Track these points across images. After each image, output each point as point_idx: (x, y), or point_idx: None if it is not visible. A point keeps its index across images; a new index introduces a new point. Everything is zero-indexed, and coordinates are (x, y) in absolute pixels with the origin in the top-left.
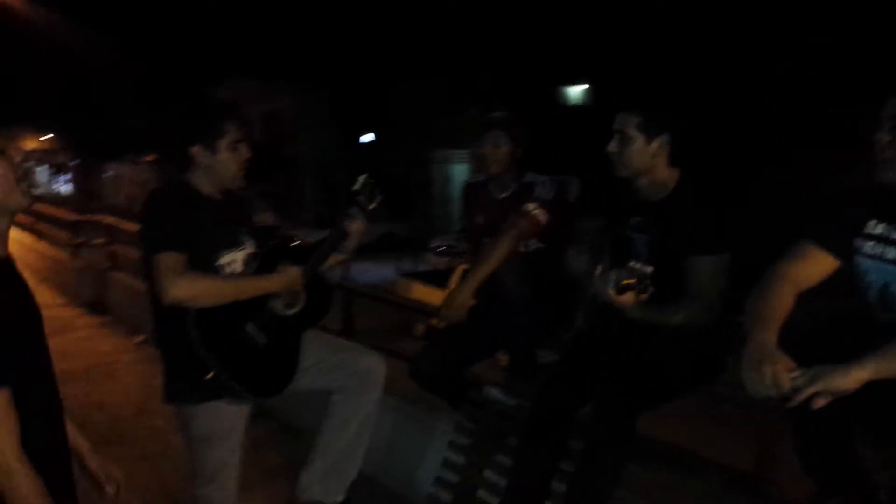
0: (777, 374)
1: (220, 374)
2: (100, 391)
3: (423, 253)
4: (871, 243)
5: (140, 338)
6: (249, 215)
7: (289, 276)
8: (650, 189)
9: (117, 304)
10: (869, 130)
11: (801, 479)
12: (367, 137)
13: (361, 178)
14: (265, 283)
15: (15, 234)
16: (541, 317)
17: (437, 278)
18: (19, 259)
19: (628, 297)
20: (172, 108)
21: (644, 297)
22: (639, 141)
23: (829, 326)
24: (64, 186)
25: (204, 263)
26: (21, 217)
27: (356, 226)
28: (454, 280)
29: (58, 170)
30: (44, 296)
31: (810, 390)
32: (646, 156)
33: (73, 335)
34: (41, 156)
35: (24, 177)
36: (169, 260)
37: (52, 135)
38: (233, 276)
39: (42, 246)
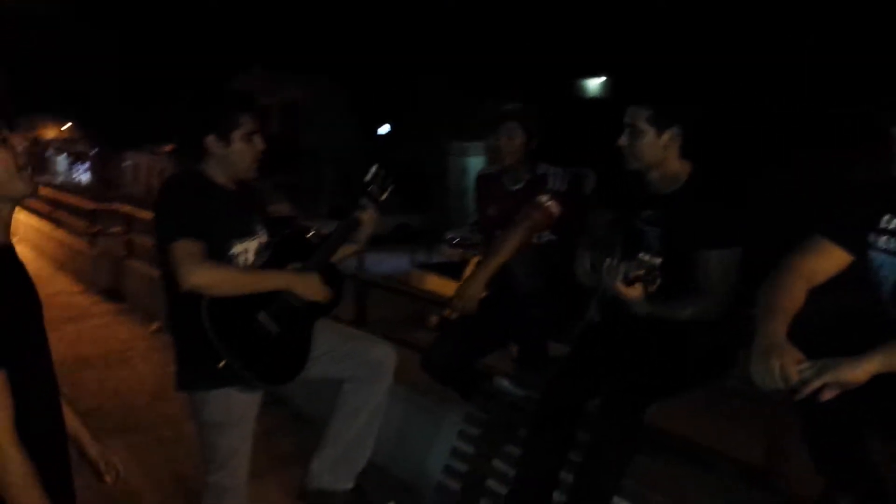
0: (785, 366)
1: (232, 362)
2: (115, 378)
3: (437, 244)
4: (885, 238)
5: (155, 325)
6: (263, 205)
7: (310, 282)
8: (662, 182)
9: (133, 292)
10: (884, 125)
11: (811, 473)
12: (384, 129)
13: (373, 168)
14: (284, 279)
15: (34, 221)
16: (552, 309)
17: (451, 270)
18: (37, 246)
19: (637, 290)
20: (188, 99)
21: (653, 288)
22: (649, 134)
23: (839, 322)
24: (83, 175)
25: (217, 252)
26: (40, 205)
27: (367, 215)
28: (468, 272)
29: (76, 158)
30: (61, 283)
31: (818, 382)
32: (657, 148)
33: (89, 322)
34: (61, 144)
35: (25, 165)
36: (187, 247)
37: (71, 124)
38: (252, 268)
39: (60, 234)
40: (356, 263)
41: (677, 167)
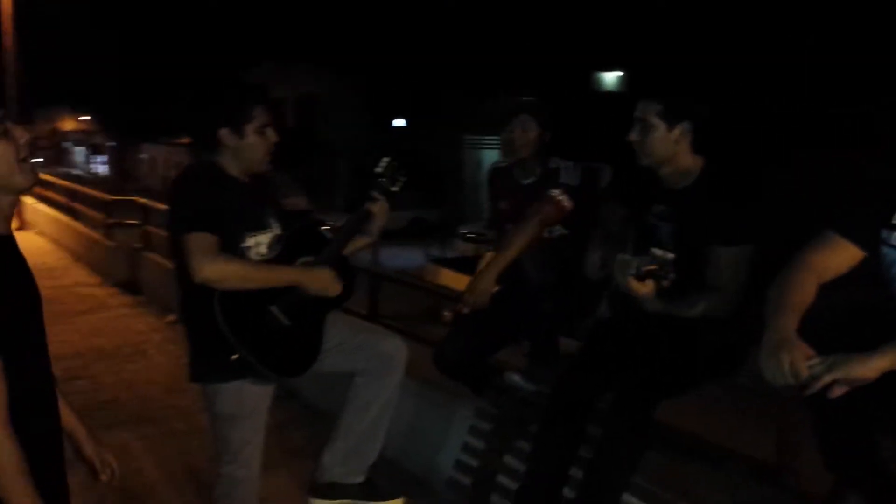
0: (795, 361)
1: (245, 354)
2: (130, 369)
3: (451, 239)
4: None
5: (171, 317)
6: (276, 198)
7: (322, 277)
8: (674, 177)
9: (150, 284)
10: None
11: (822, 470)
12: (399, 122)
13: (385, 160)
14: (296, 275)
15: (52, 212)
16: (563, 303)
17: (465, 265)
18: (55, 238)
19: (648, 286)
20: (202, 92)
21: (666, 283)
22: (660, 129)
23: (851, 318)
24: (101, 167)
25: (230, 245)
26: (58, 197)
27: (379, 207)
28: (482, 266)
29: (94, 151)
30: (78, 274)
31: (827, 378)
32: (668, 143)
33: (105, 314)
34: (79, 136)
35: (26, 157)
36: (201, 240)
37: (89, 116)
38: (265, 263)
39: (78, 225)
40: (370, 258)
41: (689, 162)
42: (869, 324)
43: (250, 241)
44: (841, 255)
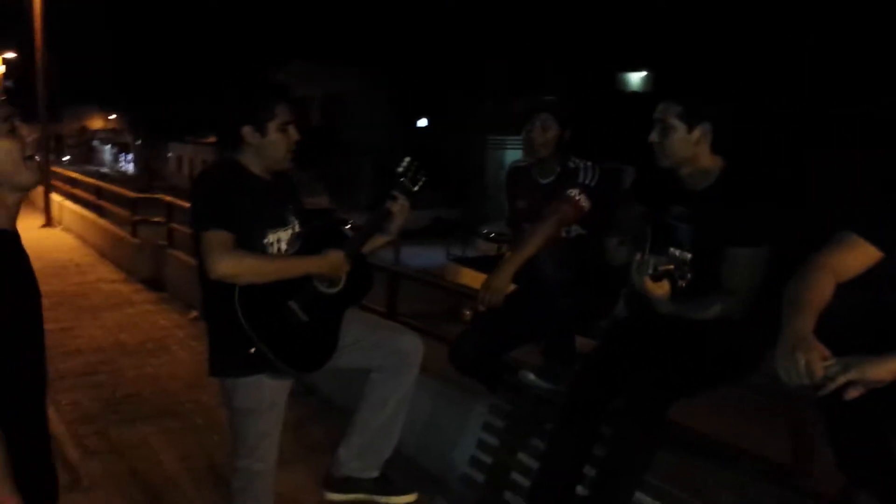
0: (811, 362)
1: (263, 349)
2: (153, 364)
3: (473, 238)
4: None
5: (194, 314)
6: (297, 196)
7: (333, 260)
8: (693, 178)
9: (173, 281)
10: None
11: (835, 470)
12: (423, 122)
13: (406, 160)
14: (309, 264)
15: (79, 209)
16: (580, 303)
17: (486, 264)
18: (81, 235)
19: (664, 287)
20: (226, 90)
21: (682, 284)
22: (680, 130)
23: (868, 319)
24: (129, 166)
25: (250, 241)
26: (85, 194)
27: (398, 206)
28: None
29: (121, 149)
30: (104, 271)
31: (842, 379)
32: (687, 145)
33: (130, 310)
34: (106, 135)
35: (32, 155)
36: (217, 237)
37: (116, 115)
38: (278, 255)
39: (104, 222)
40: (392, 257)
41: (709, 163)
42: (886, 325)
43: (271, 238)
44: (859, 255)
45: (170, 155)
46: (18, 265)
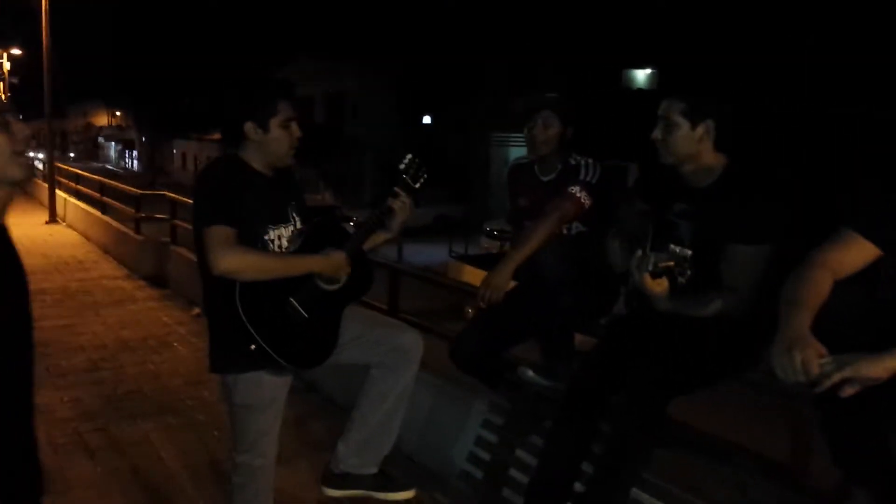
0: (807, 359)
1: (263, 345)
2: (154, 361)
3: (476, 235)
4: None
5: (196, 310)
6: (300, 193)
7: (335, 260)
8: (696, 176)
9: (176, 278)
10: None
11: (834, 469)
12: (427, 119)
13: (407, 157)
14: (311, 262)
15: (82, 206)
16: (581, 300)
17: (489, 261)
18: (85, 231)
19: (662, 284)
20: (229, 87)
21: (683, 280)
22: (683, 127)
23: (868, 317)
24: (134, 162)
25: (252, 237)
26: (89, 190)
27: (399, 203)
28: None
29: (126, 146)
30: (107, 267)
31: (837, 377)
32: (690, 142)
33: (132, 307)
34: (112, 132)
35: (23, 151)
36: (220, 233)
37: (122, 112)
38: (280, 252)
39: (107, 219)
40: (395, 254)
41: (711, 161)
42: (886, 323)
43: (272, 234)
44: (857, 253)
45: (174, 151)
46: (5, 260)
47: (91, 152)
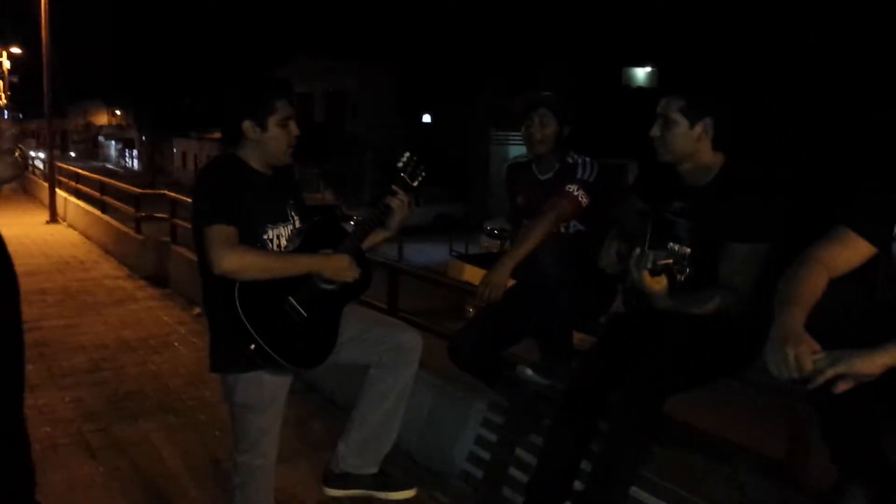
0: (800, 355)
1: (262, 344)
2: (155, 361)
3: (475, 235)
4: None
5: (197, 310)
6: (299, 192)
7: (337, 262)
8: (694, 174)
9: (177, 277)
10: None
11: (833, 468)
12: (427, 118)
13: (405, 155)
14: (312, 262)
15: (83, 205)
16: (579, 299)
17: (489, 260)
18: (85, 231)
19: (661, 282)
20: (227, 85)
21: (681, 278)
22: (682, 125)
23: (866, 317)
24: (134, 161)
25: (250, 236)
26: (90, 190)
27: (398, 202)
28: None
29: (126, 145)
30: (107, 267)
31: (831, 372)
32: (689, 140)
33: (133, 306)
34: (112, 131)
35: (10, 149)
36: (220, 232)
37: (122, 111)
38: (281, 252)
39: (108, 218)
40: (396, 254)
41: (709, 159)
42: (884, 323)
43: (270, 233)
44: (851, 250)
45: (174, 151)
46: None
47: (91, 151)
